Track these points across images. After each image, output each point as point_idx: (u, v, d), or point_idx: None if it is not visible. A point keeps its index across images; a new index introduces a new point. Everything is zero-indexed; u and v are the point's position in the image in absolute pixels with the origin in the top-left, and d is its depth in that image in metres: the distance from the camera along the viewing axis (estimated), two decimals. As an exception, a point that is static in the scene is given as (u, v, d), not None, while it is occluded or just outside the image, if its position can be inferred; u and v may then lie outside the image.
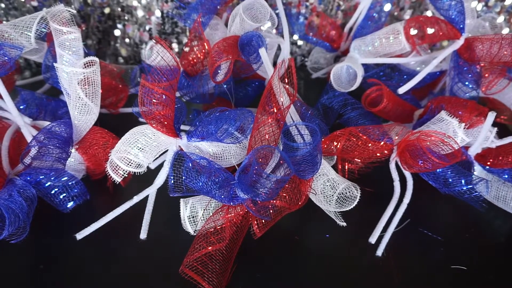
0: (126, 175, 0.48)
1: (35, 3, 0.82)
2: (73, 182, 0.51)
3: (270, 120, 0.47)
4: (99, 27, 0.88)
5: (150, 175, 0.51)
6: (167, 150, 0.50)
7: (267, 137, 0.47)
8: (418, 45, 0.65)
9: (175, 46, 0.91)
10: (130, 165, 0.47)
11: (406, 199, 0.54)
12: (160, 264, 0.47)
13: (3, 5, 0.82)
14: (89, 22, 0.87)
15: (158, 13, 0.86)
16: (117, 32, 0.88)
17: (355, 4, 0.86)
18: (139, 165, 0.47)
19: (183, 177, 0.45)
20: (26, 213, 0.46)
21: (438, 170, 0.53)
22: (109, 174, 0.48)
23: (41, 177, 0.49)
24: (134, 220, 0.50)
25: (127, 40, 0.89)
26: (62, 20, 0.50)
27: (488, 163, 0.57)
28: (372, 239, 0.51)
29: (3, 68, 0.48)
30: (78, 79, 0.49)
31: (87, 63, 0.49)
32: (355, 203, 0.50)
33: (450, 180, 0.53)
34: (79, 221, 0.49)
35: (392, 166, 0.56)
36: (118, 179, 0.48)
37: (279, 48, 0.72)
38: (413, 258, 0.50)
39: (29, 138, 0.53)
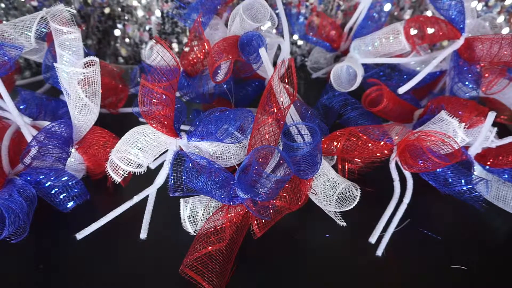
0: (126, 175, 0.48)
1: (35, 3, 0.82)
2: (73, 182, 0.51)
3: (270, 120, 0.47)
4: (99, 27, 0.88)
5: (150, 175, 0.51)
6: (167, 150, 0.50)
7: (267, 137, 0.47)
8: (418, 45, 0.65)
9: (175, 46, 0.91)
10: (130, 165, 0.47)
11: (406, 199, 0.54)
12: (160, 264, 0.47)
13: (3, 5, 0.82)
14: (89, 22, 0.87)
15: (158, 13, 0.86)
16: (117, 32, 0.88)
17: (355, 4, 0.86)
18: (139, 165, 0.47)
19: (183, 177, 0.45)
20: (26, 213, 0.46)
21: (438, 170, 0.53)
22: (109, 174, 0.48)
23: (41, 177, 0.49)
24: (134, 220, 0.50)
25: (127, 40, 0.90)
26: (62, 20, 0.50)
27: (488, 163, 0.57)
28: (372, 239, 0.51)
29: (3, 68, 0.48)
30: (78, 79, 0.49)
31: (87, 63, 0.49)
32: (355, 203, 0.50)
33: (450, 180, 0.53)
34: (79, 221, 0.49)
35: (392, 166, 0.56)
36: (118, 179, 0.48)
37: (279, 48, 0.72)
38: (413, 258, 0.50)
39: (29, 138, 0.53)
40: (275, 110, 0.47)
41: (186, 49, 0.67)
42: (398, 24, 0.64)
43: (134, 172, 0.47)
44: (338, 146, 0.54)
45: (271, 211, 0.46)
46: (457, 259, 0.49)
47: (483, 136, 0.55)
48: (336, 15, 0.88)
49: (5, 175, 0.49)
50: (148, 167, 0.50)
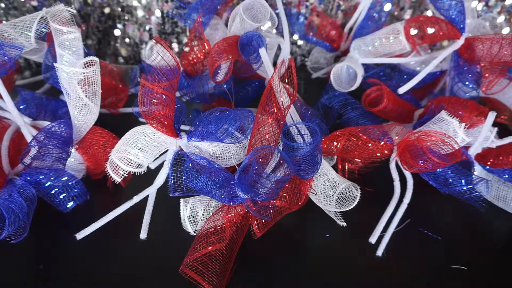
0: (126, 175, 0.48)
1: (35, 3, 0.82)
2: (73, 182, 0.51)
3: (270, 120, 0.47)
4: (99, 27, 0.88)
5: (150, 175, 0.51)
6: (167, 150, 0.50)
7: (267, 137, 0.47)
8: (418, 45, 0.65)
9: (175, 46, 0.91)
10: (130, 165, 0.47)
11: (406, 199, 0.54)
12: (160, 264, 0.47)
13: (3, 5, 0.82)
14: (89, 22, 0.87)
15: (158, 13, 0.86)
16: (117, 32, 0.88)
17: (355, 4, 0.86)
18: (139, 165, 0.47)
19: (183, 177, 0.45)
20: (26, 213, 0.46)
21: (438, 170, 0.53)
22: (109, 174, 0.48)
23: (41, 177, 0.49)
24: (134, 220, 0.50)
25: (127, 40, 0.89)
26: (62, 20, 0.50)
27: (488, 163, 0.57)
28: (372, 239, 0.51)
29: (3, 68, 0.48)
30: (78, 79, 0.49)
31: (87, 63, 0.49)
32: (355, 203, 0.50)
33: (450, 180, 0.53)
34: (79, 221, 0.49)
35: (392, 166, 0.56)
36: (118, 179, 0.48)
37: (279, 48, 0.72)
38: (413, 258, 0.50)
39: (29, 138, 0.53)
40: (275, 110, 0.47)
41: (186, 49, 0.67)
42: (398, 24, 0.64)
43: (134, 172, 0.47)
44: (338, 146, 0.54)
45: (271, 211, 0.46)
46: (457, 259, 0.49)
47: (483, 136, 0.55)
48: (336, 15, 0.88)
49: (5, 175, 0.49)
50: (148, 167, 0.50)
